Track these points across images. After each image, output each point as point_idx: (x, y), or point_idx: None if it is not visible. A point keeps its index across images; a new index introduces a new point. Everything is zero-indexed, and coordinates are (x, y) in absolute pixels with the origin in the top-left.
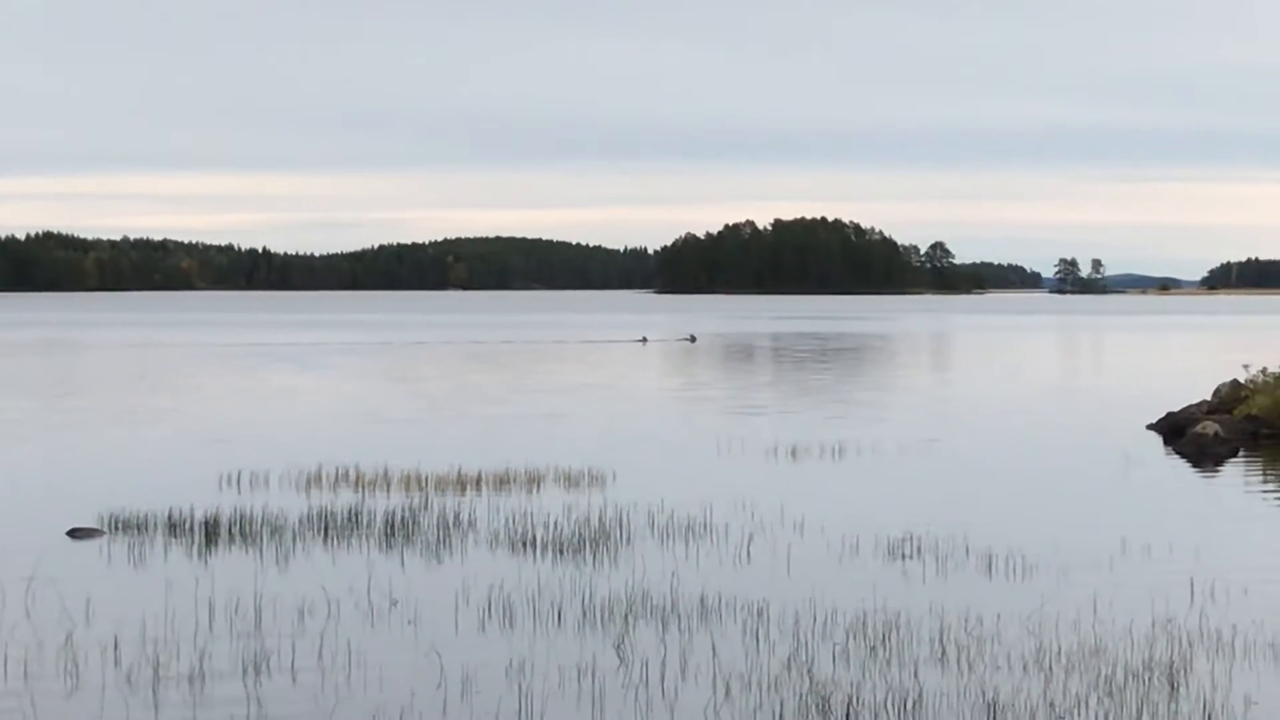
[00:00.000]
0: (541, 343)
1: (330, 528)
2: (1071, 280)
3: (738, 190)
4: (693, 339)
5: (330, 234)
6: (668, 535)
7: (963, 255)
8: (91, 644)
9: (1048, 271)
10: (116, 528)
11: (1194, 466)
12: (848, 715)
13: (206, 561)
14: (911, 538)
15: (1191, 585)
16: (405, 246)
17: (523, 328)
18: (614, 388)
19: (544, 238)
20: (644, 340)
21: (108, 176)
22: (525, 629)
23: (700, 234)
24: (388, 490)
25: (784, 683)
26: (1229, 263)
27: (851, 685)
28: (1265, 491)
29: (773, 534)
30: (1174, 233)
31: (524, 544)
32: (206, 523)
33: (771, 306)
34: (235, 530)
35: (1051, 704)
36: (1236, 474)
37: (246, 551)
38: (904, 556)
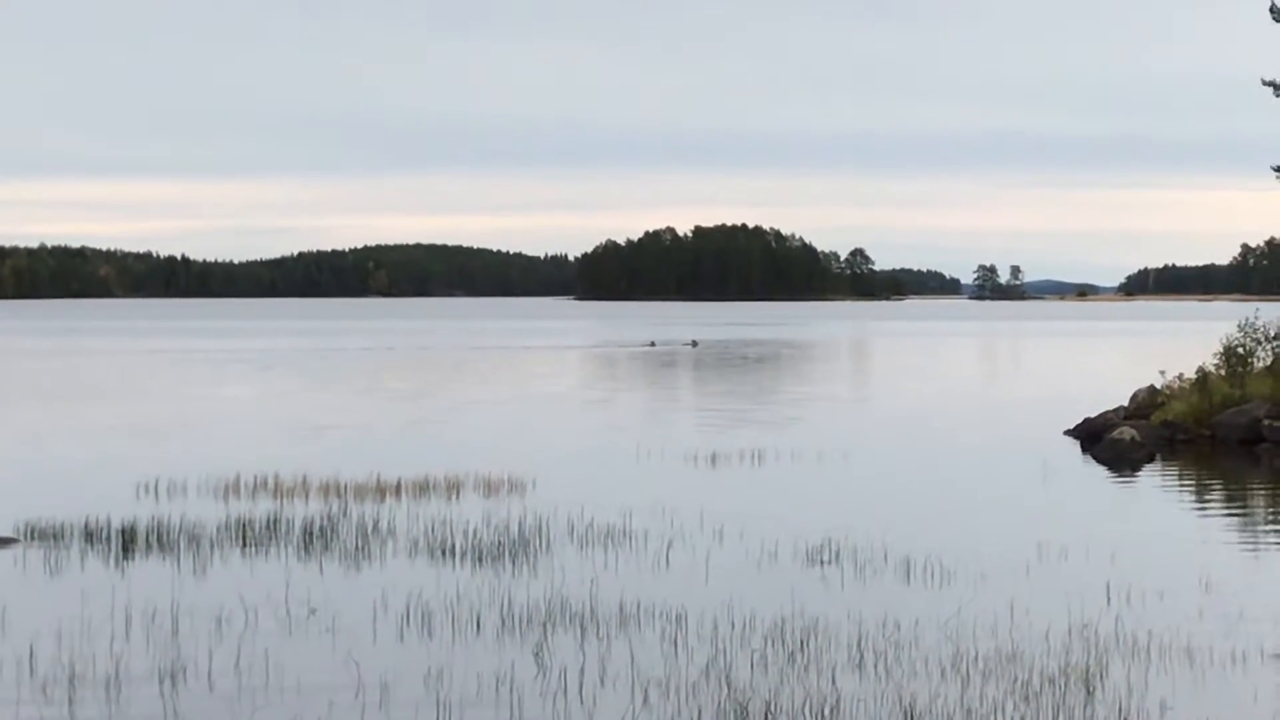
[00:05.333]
0: (488, 349)
1: (248, 536)
2: (990, 286)
3: (658, 197)
4: (694, 344)
5: (249, 241)
6: (587, 542)
7: (882, 262)
8: (6, 653)
9: (967, 278)
10: (32, 536)
11: (1111, 472)
12: None
13: (123, 570)
14: (830, 544)
15: (1108, 590)
16: (325, 253)
17: (471, 334)
18: (535, 395)
19: (464, 244)
20: (652, 344)
21: (24, 183)
22: (444, 637)
23: (621, 240)
24: (306, 498)
25: (702, 689)
26: (1146, 269)
27: (770, 691)
28: (1181, 497)
29: (692, 541)
30: (1092, 239)
31: (443, 552)
32: (123, 531)
33: (692, 313)
34: (152, 539)
35: (969, 710)
36: (1153, 479)
37: (163, 560)
38: (822, 563)
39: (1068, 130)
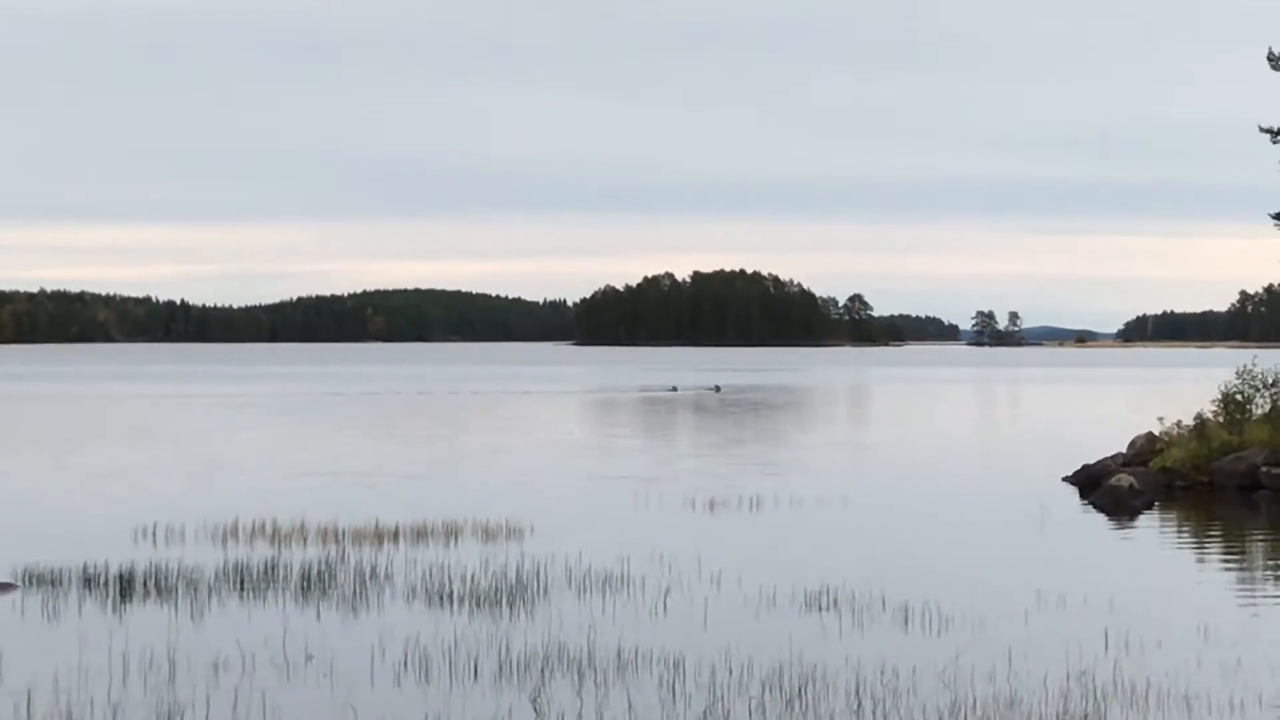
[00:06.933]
0: (510, 394)
1: (246, 581)
2: (989, 332)
3: (657, 242)
4: (717, 389)
5: (248, 286)
6: (585, 588)
7: (880, 307)
8: (4, 698)
9: (965, 323)
10: (30, 581)
11: (1109, 519)
12: None
13: (121, 615)
14: (828, 590)
15: (1106, 637)
16: (324, 298)
17: (483, 380)
18: (534, 440)
19: (463, 289)
20: (674, 389)
21: (24, 228)
22: (441, 683)
23: (619, 286)
24: (304, 543)
25: None
26: (1145, 315)
27: None
28: (1179, 543)
29: (690, 587)
30: (1090, 285)
31: (441, 597)
32: (121, 576)
33: (691, 358)
34: (150, 584)
35: None
36: (1151, 526)
37: (161, 605)
38: (820, 609)
39: (1065, 177)
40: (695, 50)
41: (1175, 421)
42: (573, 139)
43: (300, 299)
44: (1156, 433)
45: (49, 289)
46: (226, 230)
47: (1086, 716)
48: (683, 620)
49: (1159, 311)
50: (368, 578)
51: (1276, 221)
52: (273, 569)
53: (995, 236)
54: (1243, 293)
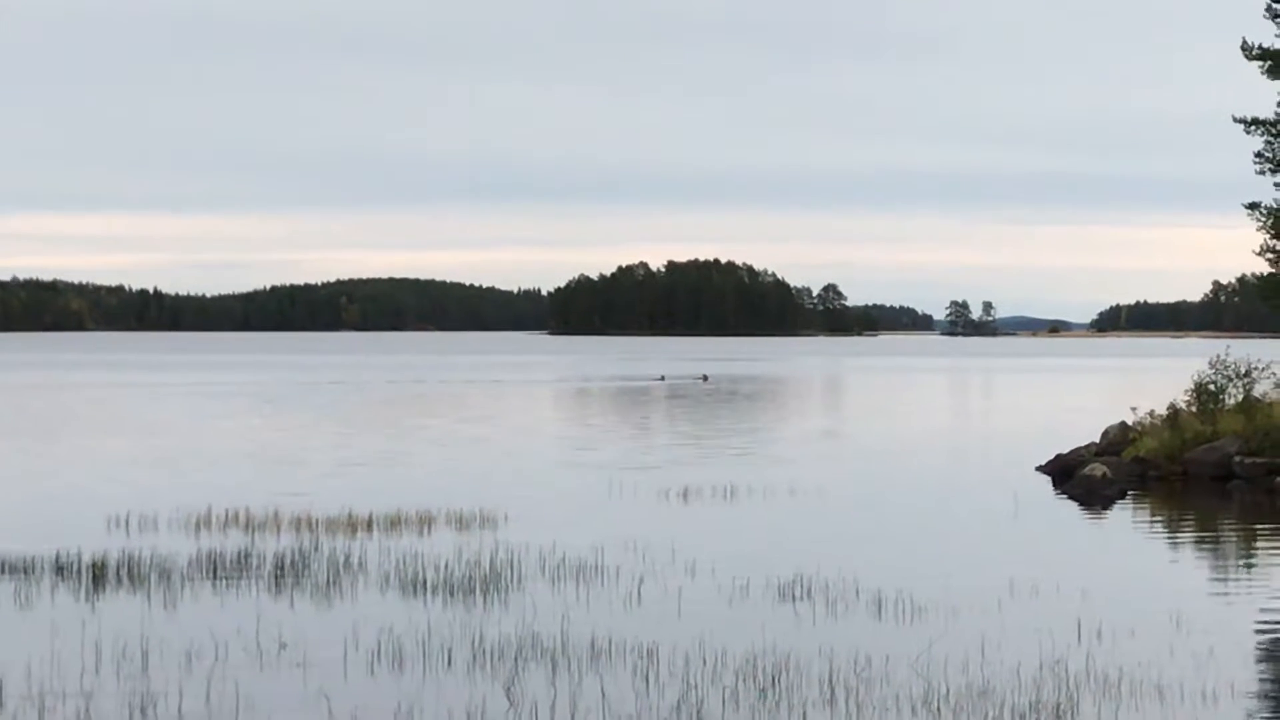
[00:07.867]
0: (504, 383)
1: (219, 570)
2: (963, 322)
3: (631, 232)
4: (705, 378)
5: (222, 275)
6: (559, 577)
7: (854, 297)
8: None
9: (939, 313)
10: (2, 569)
11: (1082, 508)
12: None
13: (93, 604)
14: (802, 579)
15: (1079, 626)
16: (298, 287)
17: (460, 369)
18: (508, 430)
19: (437, 278)
20: (662, 378)
21: None
22: (415, 672)
23: (594, 275)
24: (278, 532)
25: None
26: (1118, 306)
27: None
28: (1152, 533)
29: (663, 576)
30: (1064, 276)
31: (414, 586)
32: (94, 565)
33: (667, 348)
34: (123, 573)
35: None
36: (1124, 515)
37: (134, 594)
38: (794, 598)
39: (1039, 167)
40: (671, 43)
41: (1148, 411)
42: (547, 129)
43: (274, 288)
44: (1130, 422)
45: (21, 277)
46: (200, 219)
47: (1059, 705)
48: (657, 609)
49: (1132, 302)
50: (341, 567)
51: (1250, 211)
52: (246, 558)
53: (969, 227)
54: (1216, 283)
